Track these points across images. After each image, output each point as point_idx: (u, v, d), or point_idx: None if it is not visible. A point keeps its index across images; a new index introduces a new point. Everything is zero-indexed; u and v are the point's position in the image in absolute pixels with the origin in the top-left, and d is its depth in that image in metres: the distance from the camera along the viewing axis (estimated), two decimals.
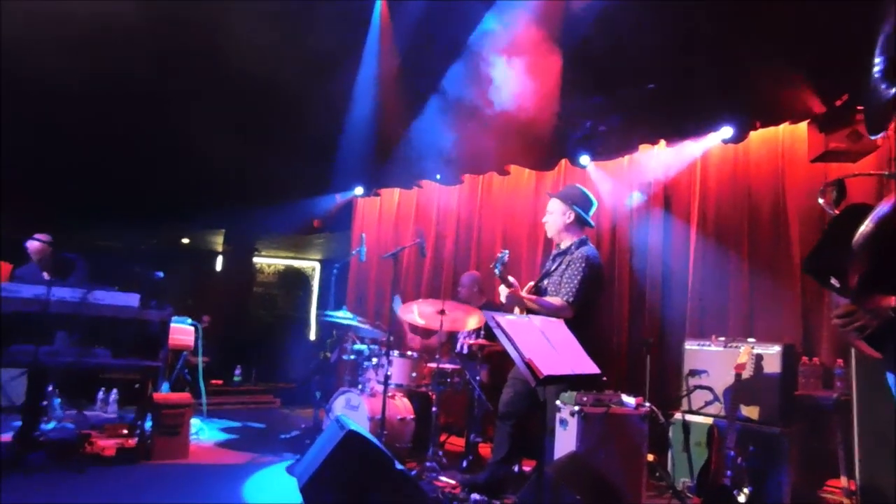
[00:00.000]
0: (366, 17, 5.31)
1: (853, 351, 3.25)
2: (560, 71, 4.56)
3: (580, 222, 3.78)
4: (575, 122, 5.15)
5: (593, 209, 3.87)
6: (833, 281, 1.78)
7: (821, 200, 1.99)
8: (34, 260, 4.90)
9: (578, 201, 3.76)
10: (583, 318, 3.51)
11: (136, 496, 3.58)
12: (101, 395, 5.99)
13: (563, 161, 5.83)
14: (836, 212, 1.90)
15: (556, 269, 3.70)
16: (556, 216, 3.77)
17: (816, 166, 4.36)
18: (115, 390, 6.02)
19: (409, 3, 4.95)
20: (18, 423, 4.29)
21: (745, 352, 3.75)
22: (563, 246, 3.78)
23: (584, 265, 3.55)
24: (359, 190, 7.88)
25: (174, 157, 6.97)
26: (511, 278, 3.62)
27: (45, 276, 4.69)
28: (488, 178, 6.70)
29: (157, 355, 4.26)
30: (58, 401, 5.38)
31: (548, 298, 3.61)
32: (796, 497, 3.68)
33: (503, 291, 3.56)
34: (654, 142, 5.22)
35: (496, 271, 3.51)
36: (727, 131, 4.56)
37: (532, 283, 3.84)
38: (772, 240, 4.58)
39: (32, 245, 4.88)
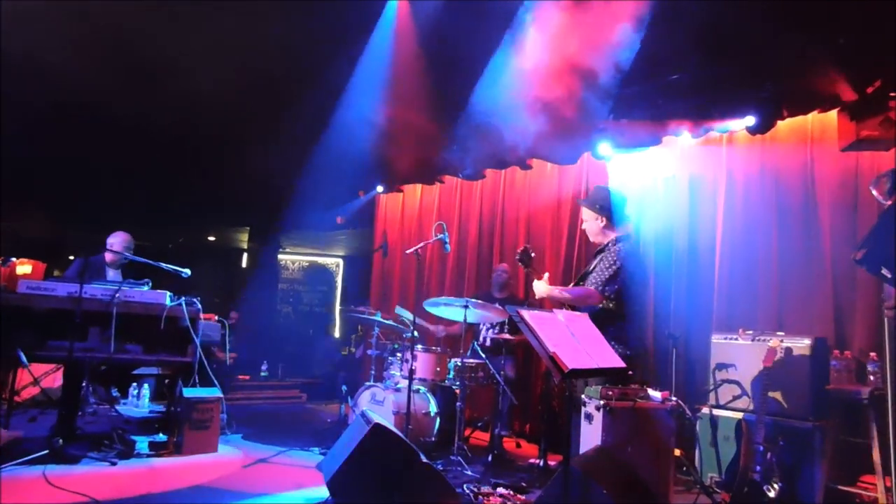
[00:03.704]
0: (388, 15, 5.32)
1: (888, 344, 3.17)
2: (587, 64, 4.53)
3: (614, 222, 3.87)
4: (597, 114, 5.10)
5: (625, 204, 3.94)
6: (884, 271, 1.77)
7: (874, 191, 1.98)
8: (111, 258, 4.91)
9: (606, 203, 3.87)
10: (617, 312, 3.57)
11: (169, 489, 3.66)
12: (133, 390, 6.13)
13: (586, 154, 5.78)
14: (890, 202, 1.88)
15: (594, 267, 3.80)
16: (590, 223, 3.93)
17: (847, 155, 4.25)
18: (146, 385, 6.16)
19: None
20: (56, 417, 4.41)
21: (773, 345, 3.69)
22: (601, 246, 3.89)
23: (615, 258, 3.66)
24: (380, 188, 7.94)
25: (201, 156, 7.09)
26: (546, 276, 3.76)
27: (112, 273, 4.81)
28: (511, 173, 6.68)
29: (186, 351, 4.33)
30: (92, 396, 5.50)
31: (576, 287, 3.73)
32: (829, 492, 3.61)
33: (537, 284, 3.69)
34: (678, 132, 5.13)
35: (526, 269, 3.72)
36: (751, 120, 4.47)
37: (572, 285, 3.94)
38: (801, 231, 4.48)
39: (116, 242, 4.91)
